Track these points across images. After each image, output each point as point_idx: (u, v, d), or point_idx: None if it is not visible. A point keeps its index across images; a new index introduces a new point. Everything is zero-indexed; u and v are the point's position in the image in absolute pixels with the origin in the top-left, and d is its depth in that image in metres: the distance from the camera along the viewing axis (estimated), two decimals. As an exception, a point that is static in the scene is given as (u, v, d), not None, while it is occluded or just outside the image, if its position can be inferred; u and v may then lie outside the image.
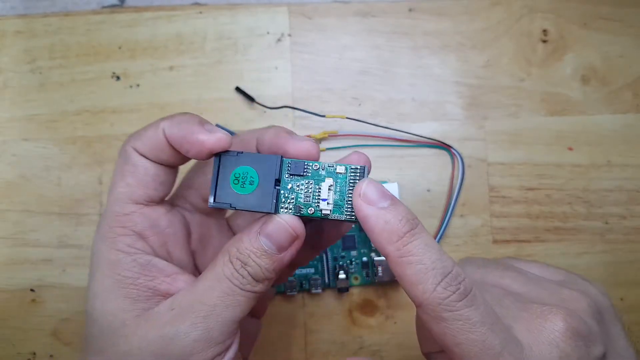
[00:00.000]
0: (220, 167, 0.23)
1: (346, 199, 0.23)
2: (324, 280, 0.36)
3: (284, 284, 0.36)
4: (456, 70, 0.39)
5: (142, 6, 0.39)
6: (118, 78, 0.38)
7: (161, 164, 0.24)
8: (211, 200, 0.23)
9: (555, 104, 0.39)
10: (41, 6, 0.39)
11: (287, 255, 0.23)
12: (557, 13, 0.40)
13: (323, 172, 0.23)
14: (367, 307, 0.37)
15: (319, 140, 0.38)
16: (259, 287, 0.22)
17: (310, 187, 0.23)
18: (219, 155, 0.23)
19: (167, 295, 0.23)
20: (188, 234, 0.26)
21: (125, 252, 0.23)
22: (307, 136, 0.38)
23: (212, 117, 0.38)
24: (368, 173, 0.23)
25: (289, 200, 0.23)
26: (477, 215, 0.38)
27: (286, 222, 0.22)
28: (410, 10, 0.40)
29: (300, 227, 0.23)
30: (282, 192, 0.23)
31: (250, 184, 0.23)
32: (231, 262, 0.22)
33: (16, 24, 0.39)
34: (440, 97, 0.39)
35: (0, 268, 0.37)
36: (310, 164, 0.23)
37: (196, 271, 0.27)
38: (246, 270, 0.22)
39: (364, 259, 0.36)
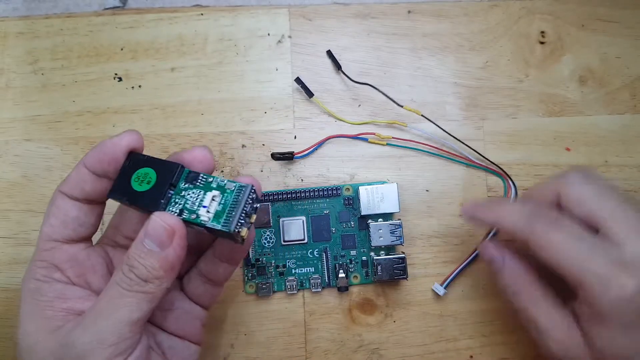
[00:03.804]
0: (127, 165, 0.26)
1: (227, 212, 0.24)
2: (324, 279, 0.37)
3: (285, 283, 0.36)
4: (455, 72, 0.39)
5: (144, 8, 0.39)
6: (120, 79, 0.39)
7: (88, 202, 0.26)
8: (109, 192, 0.26)
9: (553, 104, 0.39)
10: (43, 7, 0.39)
11: (171, 252, 0.24)
12: (555, 15, 0.40)
13: (214, 185, 0.25)
14: (367, 306, 0.37)
15: (383, 140, 0.38)
16: (148, 287, 0.24)
17: (199, 196, 0.25)
18: (130, 155, 0.26)
19: (82, 312, 0.25)
20: (109, 266, 0.28)
21: (42, 281, 0.25)
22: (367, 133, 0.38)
23: (212, 117, 0.38)
24: (255, 193, 0.25)
25: (177, 204, 0.25)
26: (475, 215, 0.38)
27: (160, 219, 0.24)
28: (409, 12, 0.40)
29: (176, 222, 0.24)
30: (174, 196, 0.25)
31: (147, 184, 0.25)
32: (121, 269, 0.24)
33: (18, 25, 0.39)
34: (439, 98, 0.39)
35: (3, 267, 0.37)
36: (206, 177, 0.26)
37: None
38: (133, 272, 0.24)
39: (364, 258, 0.37)
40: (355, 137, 0.38)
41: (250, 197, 0.25)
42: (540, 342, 0.30)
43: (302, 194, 0.37)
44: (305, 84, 0.38)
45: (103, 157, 0.25)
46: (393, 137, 0.38)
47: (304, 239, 0.36)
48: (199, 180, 0.26)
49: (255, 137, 0.38)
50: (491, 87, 0.39)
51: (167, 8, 0.39)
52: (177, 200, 0.25)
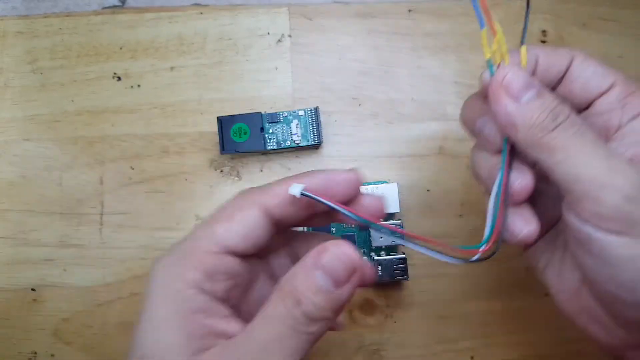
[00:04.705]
0: (223, 127, 0.35)
1: (309, 130, 0.36)
2: (324, 280, 0.36)
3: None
4: (456, 71, 0.39)
5: (143, 7, 0.39)
6: (119, 78, 0.38)
7: (274, 226, 0.23)
8: (220, 149, 0.35)
9: (555, 104, 0.39)
10: (42, 7, 0.39)
11: (346, 291, 0.20)
12: (556, 14, 0.40)
13: (290, 117, 0.36)
14: (367, 307, 0.37)
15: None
16: (314, 329, 0.20)
17: (283, 128, 0.36)
18: (220, 120, 0.36)
19: (222, 335, 0.21)
20: (272, 277, 0.25)
21: (189, 287, 0.21)
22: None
23: (212, 117, 0.38)
24: (318, 113, 0.36)
25: (272, 140, 0.36)
26: (476, 215, 0.38)
27: (343, 252, 0.20)
28: (410, 11, 0.40)
29: (357, 257, 0.21)
30: (266, 135, 0.36)
31: (245, 134, 0.35)
32: (284, 300, 0.20)
33: (17, 25, 0.39)
34: (440, 98, 0.39)
35: (2, 267, 0.37)
36: (280, 113, 0.36)
37: None
38: (300, 309, 0.20)
39: (364, 258, 0.37)
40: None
41: None
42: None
43: (302, 194, 0.37)
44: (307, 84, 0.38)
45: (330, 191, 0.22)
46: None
47: (304, 239, 0.36)
48: (278, 118, 0.36)
49: (255, 136, 0.38)
50: (492, 86, 0.39)
51: (167, 7, 0.39)
52: (270, 137, 0.35)
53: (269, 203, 0.22)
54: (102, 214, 0.37)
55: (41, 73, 0.38)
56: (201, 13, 0.39)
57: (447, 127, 0.38)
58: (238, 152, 0.35)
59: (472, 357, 0.37)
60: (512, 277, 0.37)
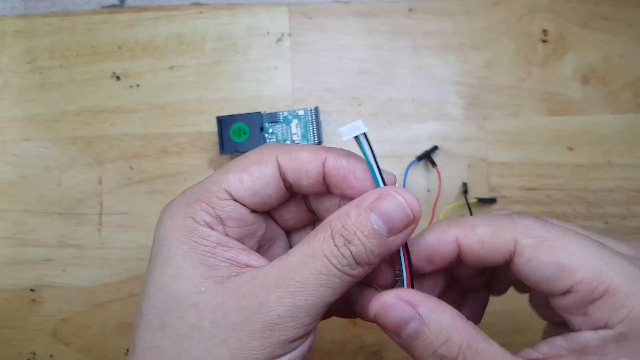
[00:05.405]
0: (222, 127, 0.35)
1: (309, 130, 0.36)
2: (324, 280, 0.36)
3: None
4: (456, 70, 0.39)
5: (142, 6, 0.39)
6: (118, 78, 0.38)
7: (288, 189, 0.22)
8: (220, 149, 0.35)
9: (556, 103, 0.39)
10: (41, 6, 0.39)
11: (399, 240, 0.20)
12: (557, 13, 0.40)
13: (290, 117, 0.36)
14: (367, 307, 0.37)
15: None
16: (357, 271, 0.20)
17: (283, 128, 0.36)
18: (220, 119, 0.35)
19: (247, 267, 0.21)
20: (266, 233, 0.24)
21: (200, 225, 0.21)
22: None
23: (211, 117, 0.38)
24: (318, 112, 0.36)
25: (271, 139, 0.35)
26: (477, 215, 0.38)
27: (405, 201, 0.20)
28: (410, 10, 0.40)
29: (419, 209, 0.20)
30: (266, 135, 0.36)
31: (244, 134, 0.35)
32: (332, 238, 0.20)
33: (16, 24, 0.39)
34: (441, 97, 0.39)
35: (1, 268, 0.37)
36: (280, 113, 0.36)
37: None
38: (349, 249, 0.19)
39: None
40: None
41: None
42: None
43: (302, 194, 0.37)
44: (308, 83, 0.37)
45: (344, 184, 0.21)
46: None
47: (304, 239, 0.36)
48: (277, 118, 0.35)
49: (254, 136, 0.38)
50: (493, 86, 0.39)
51: (166, 6, 0.39)
52: (269, 137, 0.35)
53: (286, 165, 0.21)
54: (101, 214, 0.37)
55: (40, 73, 0.38)
56: (200, 12, 0.39)
57: (447, 127, 0.38)
58: (238, 152, 0.35)
59: (472, 358, 0.37)
60: (513, 278, 0.37)
